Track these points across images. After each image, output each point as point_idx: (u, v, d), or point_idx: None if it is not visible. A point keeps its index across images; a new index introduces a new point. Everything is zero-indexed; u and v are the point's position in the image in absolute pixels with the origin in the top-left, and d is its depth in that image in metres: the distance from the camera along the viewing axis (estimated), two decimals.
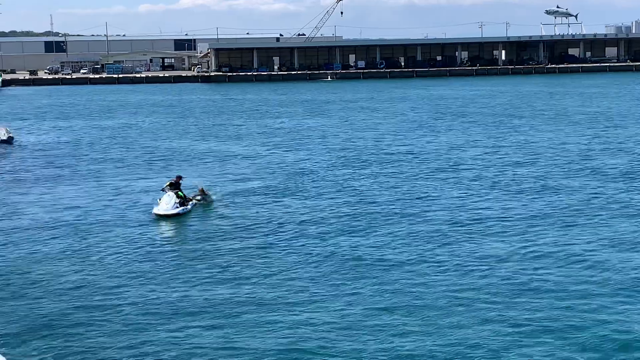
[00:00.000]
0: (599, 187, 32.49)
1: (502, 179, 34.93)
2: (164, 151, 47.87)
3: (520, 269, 20.92)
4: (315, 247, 23.63)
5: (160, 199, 28.61)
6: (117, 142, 53.31)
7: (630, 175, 35.08)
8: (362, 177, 36.37)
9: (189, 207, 28.68)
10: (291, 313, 17.86)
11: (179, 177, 30.30)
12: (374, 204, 29.81)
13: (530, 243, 23.57)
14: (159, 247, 24.39)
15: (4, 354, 14.50)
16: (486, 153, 43.56)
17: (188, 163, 42.62)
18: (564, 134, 52.12)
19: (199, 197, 30.06)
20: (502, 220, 26.65)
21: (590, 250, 22.70)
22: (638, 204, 29.11)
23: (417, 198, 30.88)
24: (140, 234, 25.82)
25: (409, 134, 54.35)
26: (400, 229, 25.62)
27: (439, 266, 21.39)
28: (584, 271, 20.69)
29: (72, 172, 39.94)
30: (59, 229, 26.59)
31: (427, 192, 32.03)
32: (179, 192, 28.84)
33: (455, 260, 21.85)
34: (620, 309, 17.80)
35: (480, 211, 28.22)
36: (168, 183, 29.71)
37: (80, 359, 15.67)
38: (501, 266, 21.23)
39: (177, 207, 27.96)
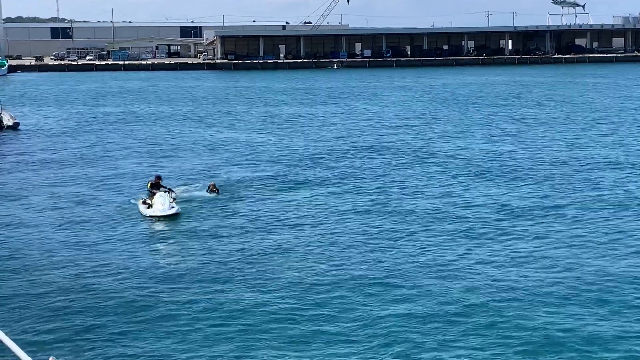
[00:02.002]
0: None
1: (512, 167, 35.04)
2: (169, 138, 48.02)
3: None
4: (319, 241, 23.55)
5: (153, 199, 26.74)
6: (123, 128, 53.39)
7: None
8: (364, 167, 36.44)
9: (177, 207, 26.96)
10: (294, 308, 17.92)
11: (159, 177, 28.69)
12: (378, 194, 29.91)
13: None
14: (160, 244, 24.44)
15: None
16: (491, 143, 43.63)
17: (191, 151, 42.71)
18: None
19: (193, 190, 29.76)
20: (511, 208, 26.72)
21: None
22: None
23: (425, 188, 31.01)
24: (138, 229, 25.91)
25: (413, 122, 54.39)
26: (405, 219, 25.67)
27: (449, 258, 21.47)
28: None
29: (76, 158, 40.07)
30: (60, 218, 26.69)
31: (434, 183, 32.16)
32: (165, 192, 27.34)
33: (459, 249, 21.95)
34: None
35: (480, 198, 28.30)
36: (149, 184, 28.12)
37: (78, 344, 15.82)
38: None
39: (174, 208, 26.51)
